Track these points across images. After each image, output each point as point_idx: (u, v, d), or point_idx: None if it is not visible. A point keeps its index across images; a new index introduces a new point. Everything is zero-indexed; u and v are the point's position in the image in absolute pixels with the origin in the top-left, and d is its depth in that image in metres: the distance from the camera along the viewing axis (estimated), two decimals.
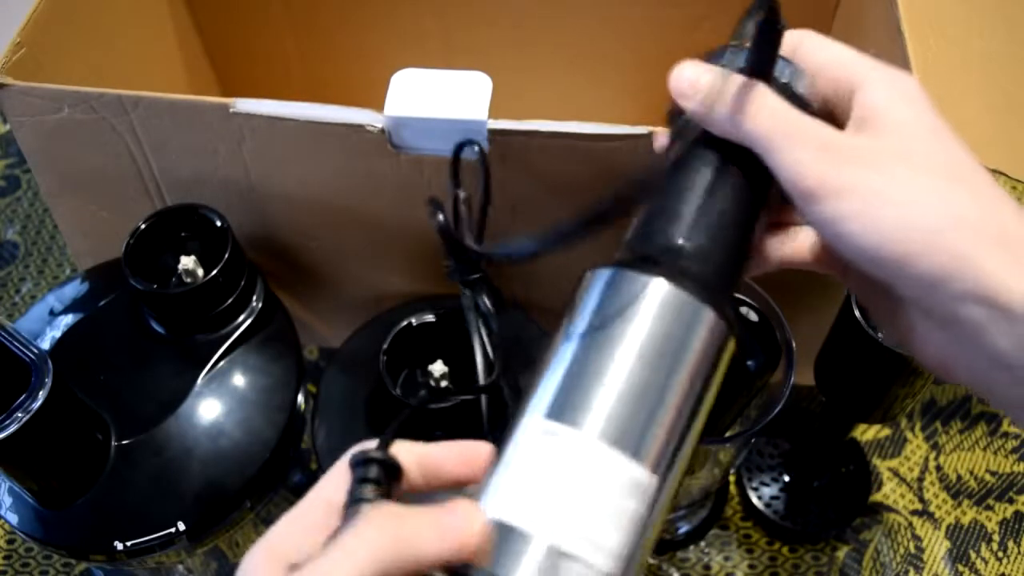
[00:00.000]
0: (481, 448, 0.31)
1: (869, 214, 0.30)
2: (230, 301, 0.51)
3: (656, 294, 0.30)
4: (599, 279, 0.31)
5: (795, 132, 0.31)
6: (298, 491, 0.59)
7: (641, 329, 0.29)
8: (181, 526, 0.46)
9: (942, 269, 0.30)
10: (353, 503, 0.29)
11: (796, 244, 0.36)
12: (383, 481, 0.29)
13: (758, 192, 0.33)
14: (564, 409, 0.29)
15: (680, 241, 0.32)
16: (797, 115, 0.32)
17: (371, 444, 0.30)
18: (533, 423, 0.29)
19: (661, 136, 0.37)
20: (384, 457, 0.29)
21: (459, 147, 0.44)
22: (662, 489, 0.29)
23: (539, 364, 0.31)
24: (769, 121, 0.31)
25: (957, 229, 0.30)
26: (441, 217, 0.42)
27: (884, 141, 0.31)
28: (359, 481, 0.29)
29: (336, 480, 0.30)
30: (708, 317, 0.30)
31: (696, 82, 0.33)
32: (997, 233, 0.30)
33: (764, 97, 0.32)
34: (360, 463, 0.29)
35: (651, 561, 0.63)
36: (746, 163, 0.32)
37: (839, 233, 0.31)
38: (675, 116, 0.34)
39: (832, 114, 0.33)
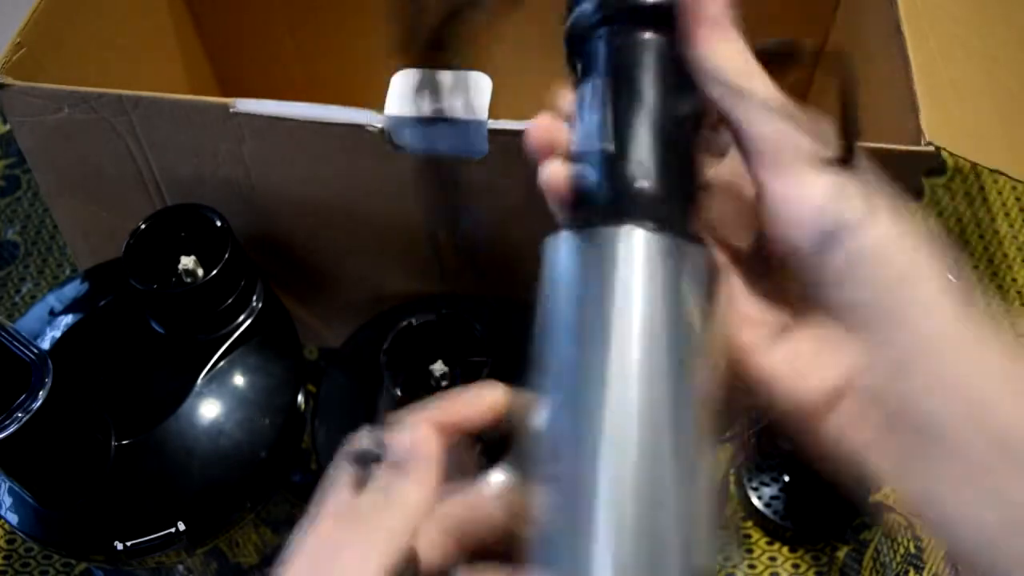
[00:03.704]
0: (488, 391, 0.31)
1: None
2: (230, 301, 0.51)
3: (636, 252, 0.27)
4: (569, 251, 0.28)
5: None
6: (298, 491, 0.59)
7: (644, 302, 0.26)
8: (181, 526, 0.46)
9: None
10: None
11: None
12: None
13: (696, 104, 0.30)
14: (614, 441, 0.25)
15: (641, 182, 0.28)
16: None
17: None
18: (595, 464, 0.25)
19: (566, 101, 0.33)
20: (371, 448, 0.30)
21: None
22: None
23: (552, 375, 0.27)
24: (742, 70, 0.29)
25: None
26: None
27: None
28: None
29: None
30: (698, 253, 0.28)
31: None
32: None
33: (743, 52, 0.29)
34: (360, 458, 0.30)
35: None
36: (680, 77, 0.29)
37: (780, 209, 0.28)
38: (588, 28, 0.31)
39: None
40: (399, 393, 0.51)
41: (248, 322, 0.52)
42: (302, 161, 0.51)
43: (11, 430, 0.40)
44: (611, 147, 0.29)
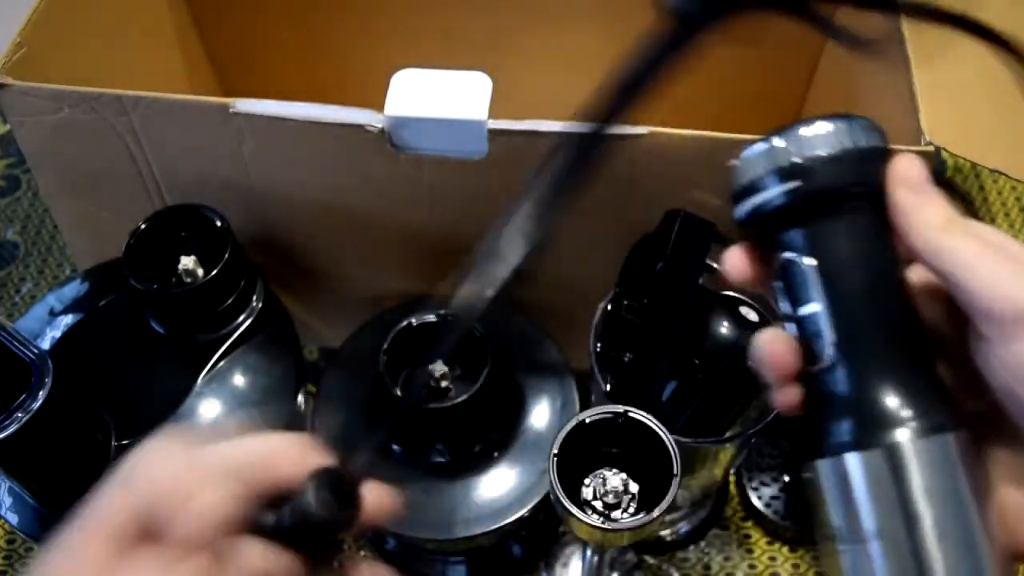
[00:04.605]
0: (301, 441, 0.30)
1: None
2: (230, 301, 0.51)
3: (909, 461, 0.27)
4: (838, 473, 0.28)
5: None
6: None
7: (931, 504, 0.27)
8: None
9: None
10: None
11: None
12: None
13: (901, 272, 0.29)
14: None
15: (892, 385, 0.28)
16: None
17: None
18: None
19: (736, 256, 0.31)
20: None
21: None
22: None
23: None
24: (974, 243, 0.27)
25: None
26: None
27: None
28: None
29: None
30: (963, 436, 0.27)
31: (915, 167, 0.28)
32: None
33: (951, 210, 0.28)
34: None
35: (651, 561, 0.63)
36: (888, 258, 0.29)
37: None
38: (783, 217, 0.29)
39: None
40: (399, 393, 0.51)
41: (248, 322, 0.52)
42: (302, 161, 0.51)
43: (11, 430, 0.40)
44: (848, 352, 0.28)
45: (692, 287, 0.45)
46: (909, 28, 0.48)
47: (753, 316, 0.46)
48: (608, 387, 0.48)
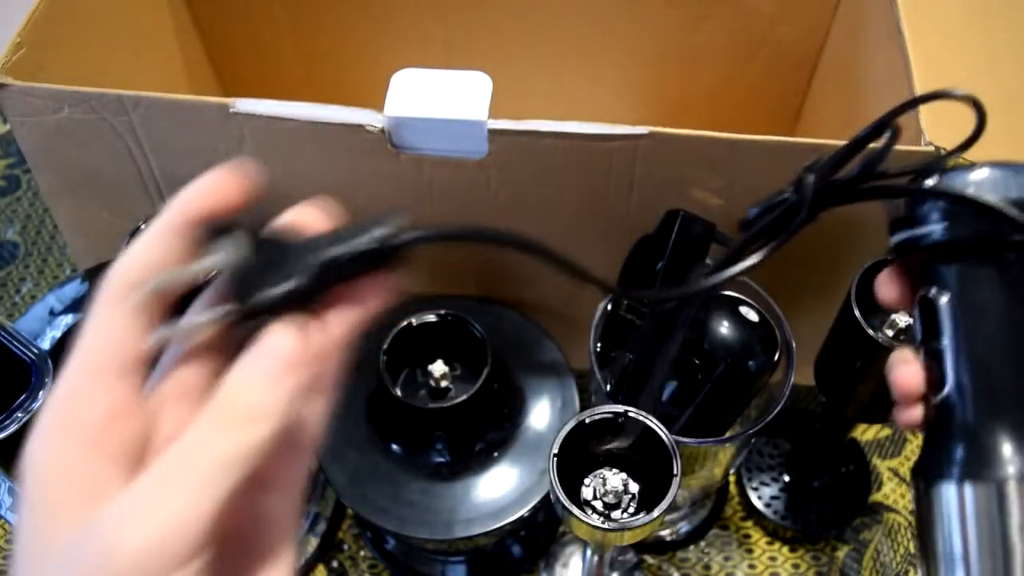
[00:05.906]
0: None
1: None
2: None
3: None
4: (949, 500, 0.29)
5: None
6: None
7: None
8: None
9: None
10: None
11: None
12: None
13: None
14: None
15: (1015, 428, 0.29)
16: None
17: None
18: None
19: (886, 277, 0.32)
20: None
21: None
22: None
23: None
24: None
25: None
26: None
27: None
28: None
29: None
30: None
31: None
32: None
33: None
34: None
35: (650, 561, 0.63)
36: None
37: None
38: (938, 254, 0.30)
39: None
40: (399, 393, 0.51)
41: None
42: (302, 161, 0.51)
43: (11, 430, 0.40)
44: (968, 391, 0.29)
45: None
46: (909, 28, 0.48)
47: (753, 316, 0.46)
48: (608, 387, 0.48)
